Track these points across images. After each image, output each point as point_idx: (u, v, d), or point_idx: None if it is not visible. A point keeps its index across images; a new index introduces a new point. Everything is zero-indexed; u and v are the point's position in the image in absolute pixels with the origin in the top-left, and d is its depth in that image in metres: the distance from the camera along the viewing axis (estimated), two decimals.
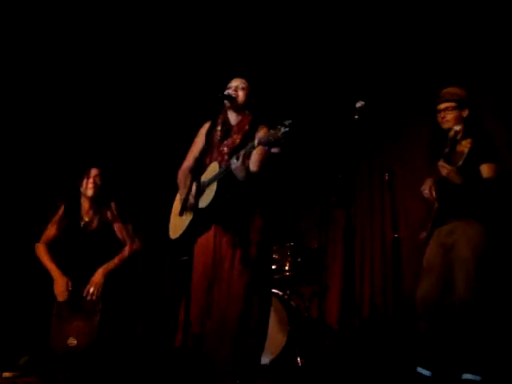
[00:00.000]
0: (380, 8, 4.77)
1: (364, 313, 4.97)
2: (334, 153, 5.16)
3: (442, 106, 3.52)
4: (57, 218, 3.91)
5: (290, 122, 2.72)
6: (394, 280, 4.58)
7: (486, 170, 3.35)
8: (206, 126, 3.30)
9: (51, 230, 3.91)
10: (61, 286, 3.71)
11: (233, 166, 2.94)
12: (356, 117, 3.19)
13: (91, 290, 3.70)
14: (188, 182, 3.25)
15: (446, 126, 3.51)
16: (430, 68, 4.80)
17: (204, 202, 3.04)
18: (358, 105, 3.20)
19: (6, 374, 3.63)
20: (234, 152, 3.12)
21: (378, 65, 5.11)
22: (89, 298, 3.69)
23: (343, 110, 3.63)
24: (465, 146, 3.40)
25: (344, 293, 4.96)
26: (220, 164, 3.10)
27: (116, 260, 3.85)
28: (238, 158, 2.93)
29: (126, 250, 3.91)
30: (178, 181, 3.35)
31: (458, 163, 3.34)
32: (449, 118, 3.50)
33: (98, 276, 3.74)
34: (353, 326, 4.55)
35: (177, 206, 3.37)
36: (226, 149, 3.19)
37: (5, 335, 4.08)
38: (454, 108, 3.49)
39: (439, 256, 3.43)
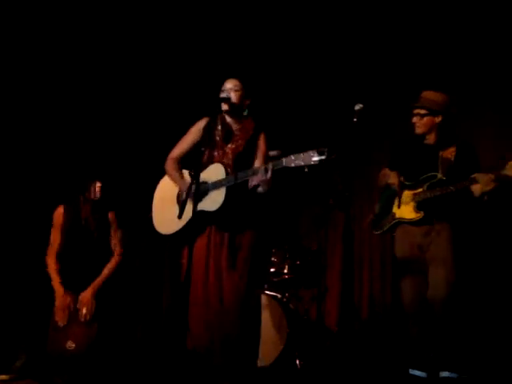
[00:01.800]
0: (378, 12, 4.78)
1: (363, 315, 4.97)
2: (332, 155, 5.14)
3: (415, 111, 3.58)
4: (58, 222, 3.89)
5: (326, 149, 2.69)
6: (393, 282, 4.58)
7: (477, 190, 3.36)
8: (204, 121, 3.31)
9: (56, 236, 3.88)
10: (61, 309, 3.68)
11: (262, 178, 2.89)
12: (355, 119, 3.20)
13: (84, 311, 3.68)
14: (181, 175, 3.25)
15: (417, 131, 3.59)
16: (429, 70, 4.80)
17: (210, 205, 3.02)
18: (357, 107, 3.20)
19: (2, 377, 3.63)
20: (239, 158, 3.14)
21: (376, 67, 5.10)
22: (82, 319, 3.66)
23: (342, 113, 3.62)
24: (449, 153, 3.48)
25: (343, 295, 4.95)
26: (226, 167, 3.08)
27: (105, 272, 3.84)
28: (266, 171, 2.88)
29: (114, 261, 3.90)
30: (166, 170, 3.33)
31: (445, 169, 3.43)
32: (420, 123, 3.56)
33: (87, 296, 3.72)
34: (352, 329, 4.54)
35: (162, 197, 3.34)
36: (230, 153, 3.18)
37: (2, 337, 4.07)
38: (425, 114, 3.54)
39: (416, 258, 3.50)
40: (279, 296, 4.30)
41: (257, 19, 4.94)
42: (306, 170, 2.75)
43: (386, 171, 3.71)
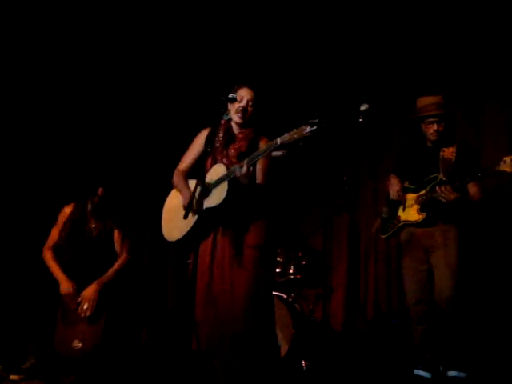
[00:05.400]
0: (383, 12, 4.78)
1: (368, 315, 4.97)
2: (338, 155, 5.16)
3: (429, 120, 3.51)
4: (62, 221, 3.94)
5: (317, 120, 2.72)
6: (399, 283, 4.57)
7: (474, 190, 3.42)
8: (205, 132, 3.33)
9: (56, 233, 3.93)
10: (67, 293, 3.73)
11: (237, 174, 2.94)
12: (360, 119, 3.20)
13: (85, 306, 3.70)
14: (187, 184, 3.26)
15: (434, 138, 3.54)
16: (433, 71, 4.81)
17: (214, 200, 3.03)
18: (363, 108, 3.21)
19: (11, 377, 3.65)
20: (241, 157, 3.13)
21: (381, 68, 5.11)
22: (83, 314, 3.69)
23: (348, 113, 3.63)
24: (450, 154, 3.47)
25: (348, 295, 4.95)
26: (227, 167, 3.10)
27: (109, 273, 3.87)
28: (241, 167, 2.94)
29: (118, 263, 3.93)
30: (174, 182, 3.36)
31: (447, 171, 3.42)
32: (441, 129, 3.51)
33: (91, 291, 3.74)
34: (357, 329, 4.54)
35: (170, 207, 3.36)
36: (232, 151, 3.20)
37: (10, 338, 4.08)
38: (443, 119, 3.51)
39: (422, 258, 3.53)
40: (285, 296, 4.30)
41: (263, 20, 4.95)
42: (300, 143, 2.78)
43: (390, 179, 3.74)
